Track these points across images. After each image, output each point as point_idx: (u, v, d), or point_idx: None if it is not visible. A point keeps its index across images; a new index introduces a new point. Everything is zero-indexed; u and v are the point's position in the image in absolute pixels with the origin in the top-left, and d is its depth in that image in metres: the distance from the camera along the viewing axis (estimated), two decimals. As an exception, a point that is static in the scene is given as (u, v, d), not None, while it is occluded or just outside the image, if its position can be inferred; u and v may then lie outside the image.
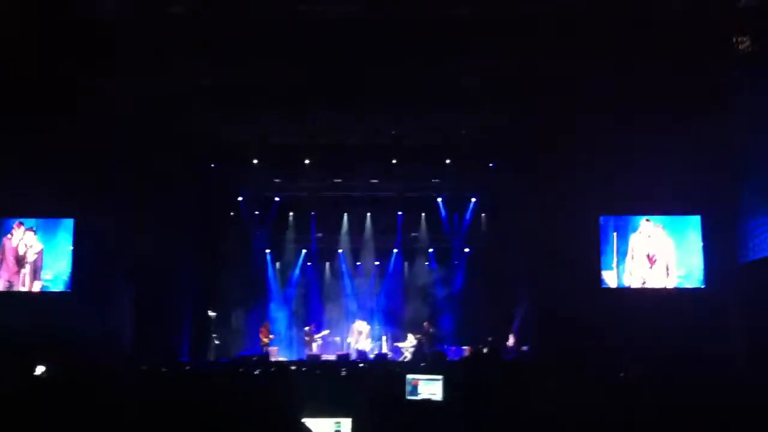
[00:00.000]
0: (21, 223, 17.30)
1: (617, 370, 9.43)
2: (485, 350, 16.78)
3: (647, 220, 17.21)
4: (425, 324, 19.75)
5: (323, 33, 13.63)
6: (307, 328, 20.30)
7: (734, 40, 13.98)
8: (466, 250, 21.56)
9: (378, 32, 13.72)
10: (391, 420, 3.80)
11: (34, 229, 17.35)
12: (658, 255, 17.12)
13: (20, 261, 17.23)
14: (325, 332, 20.47)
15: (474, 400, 2.98)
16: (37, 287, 17.18)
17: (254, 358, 17.32)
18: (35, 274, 17.22)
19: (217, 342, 18.97)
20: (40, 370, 9.38)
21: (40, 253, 17.21)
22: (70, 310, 16.16)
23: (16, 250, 17.24)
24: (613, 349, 14.03)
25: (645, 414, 4.20)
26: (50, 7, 13.61)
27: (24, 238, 17.29)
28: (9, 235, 17.27)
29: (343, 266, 22.10)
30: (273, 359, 18.36)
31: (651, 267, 17.12)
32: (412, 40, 13.84)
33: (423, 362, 17.06)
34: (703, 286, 16.88)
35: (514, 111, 16.44)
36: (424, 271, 21.86)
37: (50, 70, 14.64)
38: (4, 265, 17.20)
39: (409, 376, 8.63)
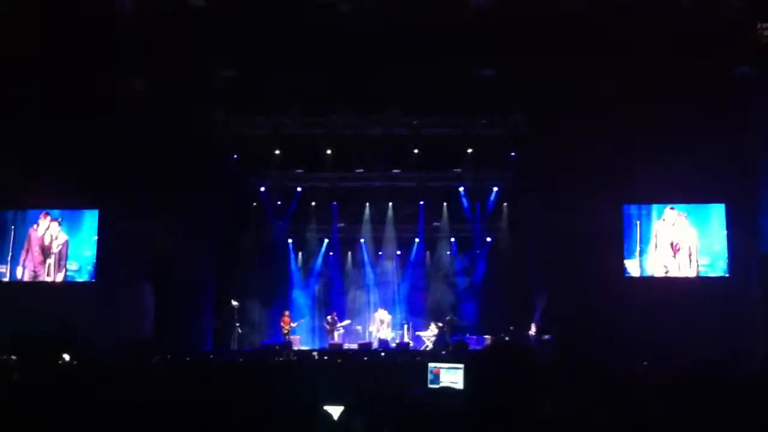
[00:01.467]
0: (47, 214, 17.49)
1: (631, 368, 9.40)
2: (506, 339, 16.79)
3: (671, 208, 17.10)
4: (447, 318, 19.74)
5: (344, 27, 13.66)
6: (329, 317, 20.35)
7: (759, 26, 13.84)
8: (488, 239, 21.51)
9: (396, 27, 13.74)
10: (411, 409, 3.81)
11: (60, 220, 17.54)
12: (682, 243, 17.01)
13: (45, 251, 17.42)
14: (347, 322, 20.52)
15: (495, 389, 2.98)
16: (61, 277, 17.37)
17: (277, 347, 17.42)
18: (60, 264, 17.41)
19: (240, 331, 19.07)
20: (65, 357, 9.51)
21: (65, 244, 17.40)
22: (93, 300, 16.36)
23: (42, 240, 17.44)
24: (634, 339, 14.00)
25: (658, 409, 4.19)
26: (72, 3, 13.75)
27: (50, 229, 17.48)
28: (35, 226, 17.47)
29: (365, 255, 22.11)
30: (295, 348, 18.45)
31: (674, 256, 17.01)
32: (429, 36, 13.86)
33: (444, 351, 17.09)
34: (727, 275, 16.76)
35: (534, 105, 16.40)
36: (445, 260, 21.83)
37: (75, 66, 14.78)
38: (29, 255, 17.40)
39: (431, 365, 8.66)
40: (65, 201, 17.50)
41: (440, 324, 19.42)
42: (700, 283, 16.85)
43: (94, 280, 17.24)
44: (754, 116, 15.63)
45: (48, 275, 17.41)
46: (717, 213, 17.03)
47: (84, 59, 14.61)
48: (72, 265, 17.40)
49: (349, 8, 13.42)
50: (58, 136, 16.08)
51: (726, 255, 16.82)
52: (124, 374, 6.35)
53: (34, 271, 17.42)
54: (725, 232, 16.84)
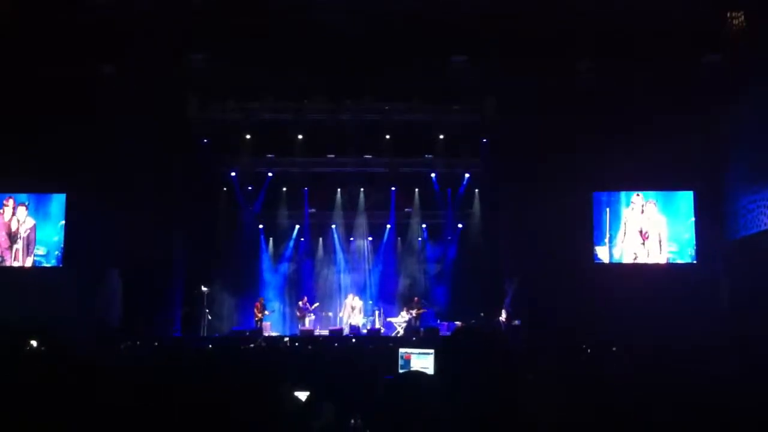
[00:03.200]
0: (11, 198, 17.27)
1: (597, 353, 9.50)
2: (474, 323, 16.87)
3: (638, 194, 17.27)
4: (415, 299, 19.81)
5: (317, 16, 13.61)
6: (300, 303, 20.32)
7: (728, 15, 13.97)
8: (459, 225, 21.56)
9: (371, 17, 13.72)
10: (383, 392, 3.80)
11: (26, 204, 17.32)
12: (651, 230, 17.19)
13: (12, 236, 17.21)
14: (316, 304, 20.47)
15: (465, 373, 2.98)
16: (29, 262, 17.17)
17: (247, 333, 17.36)
18: (28, 249, 17.21)
19: (209, 317, 18.98)
20: (32, 343, 9.39)
21: (32, 229, 17.20)
22: (61, 285, 16.19)
23: (8, 225, 17.21)
24: (604, 325, 14.13)
25: (629, 396, 4.23)
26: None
27: (16, 214, 17.26)
28: (0, 211, 17.24)
29: (336, 242, 22.08)
30: (266, 334, 18.39)
31: (643, 243, 17.19)
32: (403, 26, 13.86)
33: (414, 337, 17.14)
34: (694, 261, 16.97)
35: (507, 92, 16.46)
36: (416, 246, 21.86)
37: (42, 51, 14.60)
38: (-5, 240, 17.20)
39: (402, 350, 8.69)
40: (31, 185, 17.30)
41: (411, 310, 19.48)
42: (669, 269, 17.06)
43: (61, 266, 17.07)
44: (723, 104, 15.80)
45: (16, 260, 17.21)
46: (685, 200, 17.22)
47: (52, 45, 14.46)
48: (39, 250, 17.21)
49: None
50: (23, 121, 15.87)
51: (693, 242, 17.03)
52: (93, 360, 6.29)
53: (1, 256, 17.21)
54: (693, 219, 17.05)
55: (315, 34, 14.05)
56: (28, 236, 17.23)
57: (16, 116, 15.87)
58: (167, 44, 14.75)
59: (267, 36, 14.31)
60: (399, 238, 22.11)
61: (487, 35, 14.16)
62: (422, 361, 8.47)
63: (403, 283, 21.23)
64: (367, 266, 22.07)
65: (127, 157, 16.24)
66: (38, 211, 17.32)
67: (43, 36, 14.23)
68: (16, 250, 17.21)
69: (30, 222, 17.24)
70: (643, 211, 17.20)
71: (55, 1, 13.83)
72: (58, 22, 13.99)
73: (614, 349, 10.26)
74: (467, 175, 20.75)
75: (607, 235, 17.23)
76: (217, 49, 15.15)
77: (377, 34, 14.06)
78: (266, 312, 19.54)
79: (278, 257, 22.00)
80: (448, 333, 17.68)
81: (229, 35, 14.34)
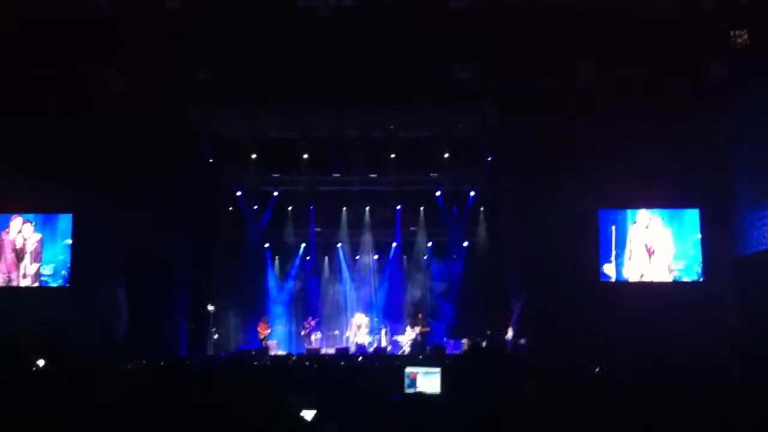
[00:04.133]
0: (18, 217, 17.32)
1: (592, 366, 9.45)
2: (484, 344, 16.83)
3: (644, 211, 17.24)
4: (419, 317, 19.81)
5: (320, 29, 13.64)
6: (306, 323, 20.31)
7: (732, 33, 13.99)
8: (465, 243, 21.55)
9: (374, 27, 13.75)
10: (389, 413, 3.81)
11: (33, 222, 17.36)
12: (656, 247, 17.15)
13: (19, 254, 17.24)
14: (318, 335, 20.46)
15: (472, 393, 2.99)
16: (35, 282, 17.19)
17: (253, 353, 17.34)
18: (34, 268, 17.23)
19: (216, 336, 18.96)
20: (40, 363, 9.41)
21: (39, 242, 17.23)
22: (68, 305, 16.20)
23: (13, 243, 17.25)
24: (609, 342, 14.08)
25: (630, 409, 4.22)
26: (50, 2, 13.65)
27: (22, 232, 17.30)
28: (6, 230, 17.28)
29: (342, 260, 22.08)
30: (272, 353, 18.37)
31: (649, 259, 17.14)
32: (408, 35, 13.88)
33: (421, 355, 17.12)
34: (700, 279, 16.90)
35: (511, 106, 16.44)
36: (422, 264, 21.84)
37: (49, 67, 14.64)
38: (2, 258, 17.21)
39: (408, 369, 8.66)
40: (38, 205, 17.33)
41: (416, 328, 19.47)
42: (675, 287, 16.98)
43: (68, 285, 17.08)
44: (729, 120, 15.79)
45: (23, 278, 17.23)
46: (691, 217, 17.18)
47: (57, 59, 14.49)
48: (46, 270, 17.23)
49: (328, 10, 13.40)
50: (29, 140, 15.92)
51: (700, 259, 16.97)
52: (100, 379, 6.30)
53: (8, 275, 17.22)
54: (699, 236, 17.00)
55: (316, 39, 14.05)
56: (33, 255, 17.26)
57: (23, 137, 15.92)
58: (172, 60, 14.80)
59: (271, 49, 14.34)
60: (405, 256, 22.10)
61: (493, 48, 14.19)
62: (428, 380, 8.45)
63: (408, 300, 21.21)
64: (373, 284, 22.05)
65: (133, 178, 16.30)
66: (45, 230, 17.35)
67: (46, 51, 14.27)
68: (22, 268, 17.23)
69: (36, 237, 17.27)
70: (648, 227, 17.17)
71: (60, 19, 13.86)
72: (64, 37, 14.02)
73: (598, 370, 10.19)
74: (472, 194, 20.76)
75: (614, 253, 17.19)
76: (222, 64, 15.18)
77: (378, 34, 14.07)
78: (269, 330, 19.56)
79: (284, 275, 22.00)
80: (455, 351, 17.67)
81: (229, 42, 14.34)
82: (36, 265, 17.20)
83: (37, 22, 13.83)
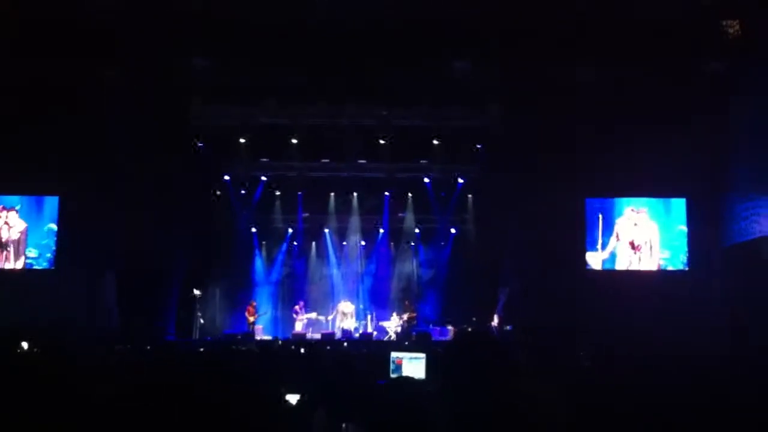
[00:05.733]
0: (2, 205, 17.23)
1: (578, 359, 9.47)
2: (470, 329, 16.87)
3: (632, 209, 17.29)
4: (406, 303, 19.85)
5: (314, 20, 13.62)
6: (297, 307, 20.31)
7: (723, 24, 14.02)
8: (453, 230, 21.56)
9: (369, 21, 13.73)
10: (374, 398, 3.80)
11: (17, 208, 17.24)
12: (643, 238, 17.21)
13: (3, 243, 17.15)
14: (312, 315, 20.45)
15: (457, 379, 2.98)
16: (20, 264, 17.10)
17: (239, 337, 17.32)
18: (19, 252, 17.13)
19: (202, 321, 18.92)
20: (24, 346, 9.35)
21: (24, 232, 17.13)
22: (53, 288, 16.13)
23: (-2, 232, 17.17)
24: (595, 330, 14.13)
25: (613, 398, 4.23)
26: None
27: (7, 218, 17.19)
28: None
29: (330, 246, 22.06)
30: (258, 338, 18.36)
31: (635, 250, 17.21)
32: (402, 30, 13.87)
33: (407, 342, 17.15)
34: (686, 268, 16.99)
35: (501, 99, 16.49)
36: (410, 251, 21.85)
37: (37, 54, 14.57)
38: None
39: (393, 355, 8.70)
40: (24, 187, 17.22)
41: (403, 315, 19.50)
42: (661, 276, 17.07)
43: (53, 268, 17.00)
44: (719, 113, 15.83)
45: (7, 261, 17.14)
46: (678, 207, 17.25)
47: (48, 46, 14.42)
48: (31, 252, 17.14)
49: (325, 4, 13.38)
50: (15, 123, 15.82)
51: (686, 249, 17.05)
52: (85, 363, 6.27)
53: (-8, 261, 17.16)
54: (685, 226, 17.07)
55: (314, 36, 14.03)
56: (18, 240, 17.16)
57: (9, 120, 15.82)
58: (167, 49, 14.74)
59: (266, 38, 14.30)
60: (392, 243, 22.10)
61: (488, 37, 14.18)
62: (413, 365, 8.48)
63: (395, 287, 21.24)
64: (359, 270, 22.06)
65: (119, 160, 16.21)
66: (31, 212, 17.24)
67: (36, 38, 14.19)
68: (7, 253, 17.13)
69: (21, 225, 17.16)
70: (636, 224, 17.23)
71: (52, 8, 13.78)
72: (54, 25, 13.95)
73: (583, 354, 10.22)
74: (461, 181, 20.74)
75: (600, 242, 17.26)
76: (216, 50, 15.13)
77: (377, 35, 14.06)
78: (257, 315, 19.53)
79: (271, 261, 21.97)
80: (441, 338, 17.71)
81: (227, 38, 14.31)
82: (21, 252, 17.11)
83: (29, 8, 13.76)
